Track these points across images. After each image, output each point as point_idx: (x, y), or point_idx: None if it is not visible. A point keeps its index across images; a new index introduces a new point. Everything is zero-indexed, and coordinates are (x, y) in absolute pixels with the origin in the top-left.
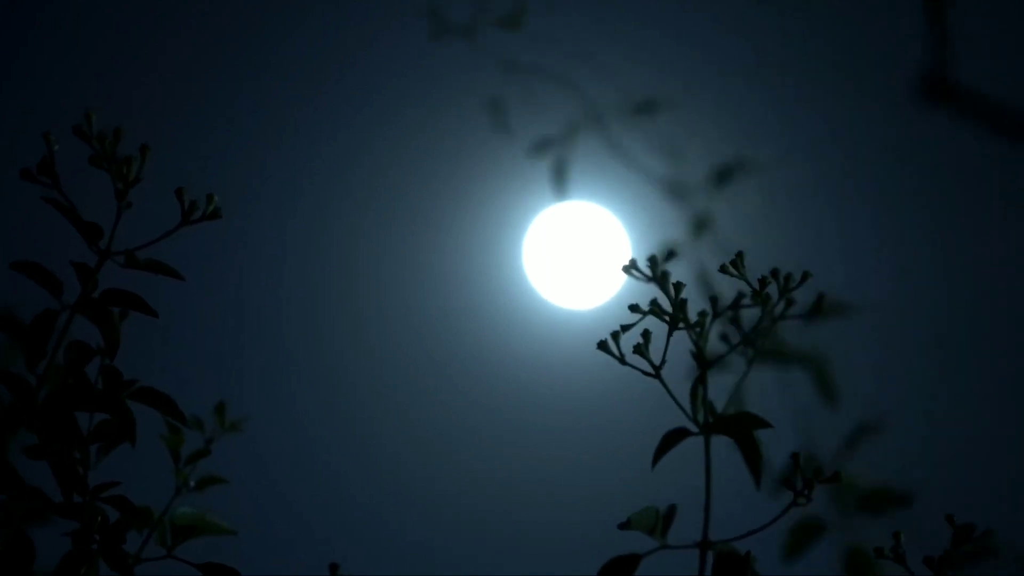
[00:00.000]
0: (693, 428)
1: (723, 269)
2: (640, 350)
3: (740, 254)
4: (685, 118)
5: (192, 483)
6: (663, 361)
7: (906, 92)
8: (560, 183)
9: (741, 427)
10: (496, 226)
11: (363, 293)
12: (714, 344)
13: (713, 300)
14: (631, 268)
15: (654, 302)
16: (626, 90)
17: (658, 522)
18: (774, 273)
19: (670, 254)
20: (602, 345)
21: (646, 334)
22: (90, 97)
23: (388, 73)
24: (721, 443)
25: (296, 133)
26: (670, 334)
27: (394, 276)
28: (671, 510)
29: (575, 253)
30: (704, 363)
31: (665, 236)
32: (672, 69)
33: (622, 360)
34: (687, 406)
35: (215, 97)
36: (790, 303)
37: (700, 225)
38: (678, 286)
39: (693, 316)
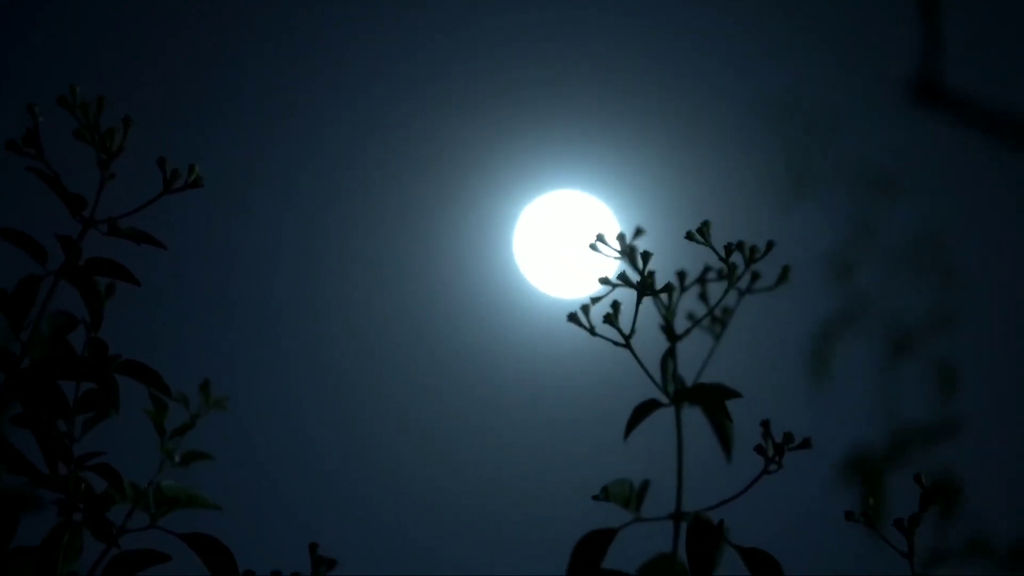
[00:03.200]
0: (664, 399)
1: (689, 236)
2: (610, 319)
3: (706, 223)
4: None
5: (177, 458)
6: (632, 331)
7: (901, 96)
8: None
9: (711, 397)
10: (487, 216)
11: (355, 283)
12: (684, 323)
13: (680, 274)
14: (598, 243)
15: (622, 274)
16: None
17: (632, 495)
18: (739, 245)
19: (638, 231)
20: (572, 317)
21: (616, 304)
22: (78, 75)
23: (382, 68)
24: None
25: (291, 123)
26: (638, 302)
27: (385, 266)
28: (645, 484)
29: (566, 241)
30: (672, 335)
31: (654, 223)
32: (662, 67)
33: (592, 331)
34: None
35: (215, 87)
36: (756, 276)
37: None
38: (645, 255)
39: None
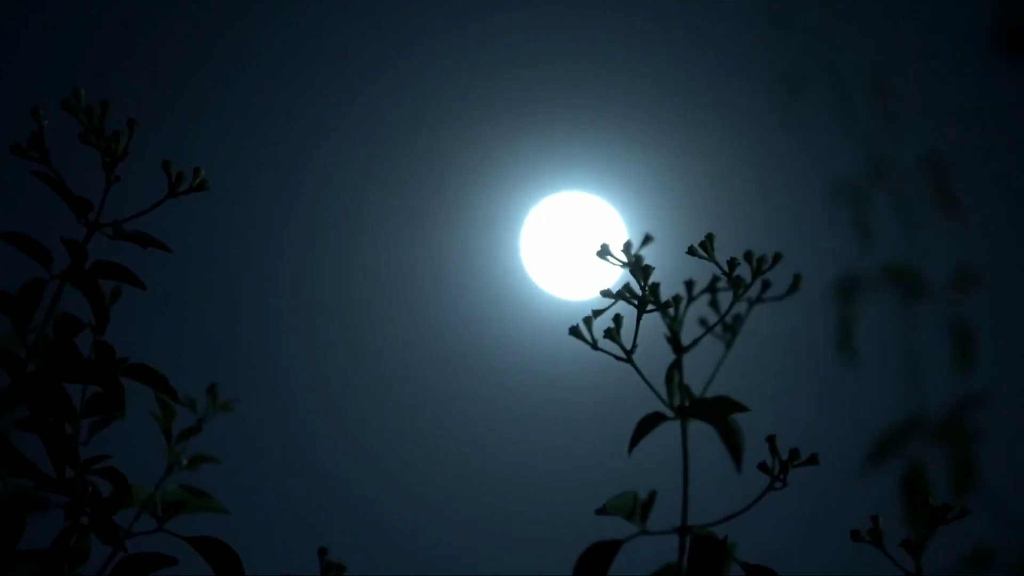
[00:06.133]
0: (669, 413)
1: (691, 251)
2: (611, 334)
3: (710, 236)
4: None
5: (184, 461)
6: (634, 345)
7: (983, 45)
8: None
9: (717, 411)
10: (493, 217)
11: (361, 284)
12: (695, 329)
13: (688, 284)
14: (605, 253)
15: (625, 286)
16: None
17: (636, 507)
18: (747, 256)
19: (646, 239)
20: (573, 331)
21: (617, 318)
22: (82, 78)
23: (385, 65)
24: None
25: (295, 121)
26: (639, 318)
27: (392, 267)
28: (651, 496)
29: (572, 243)
30: (679, 347)
31: (661, 226)
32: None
33: (594, 346)
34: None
35: (218, 87)
36: (766, 285)
37: None
38: (647, 269)
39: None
